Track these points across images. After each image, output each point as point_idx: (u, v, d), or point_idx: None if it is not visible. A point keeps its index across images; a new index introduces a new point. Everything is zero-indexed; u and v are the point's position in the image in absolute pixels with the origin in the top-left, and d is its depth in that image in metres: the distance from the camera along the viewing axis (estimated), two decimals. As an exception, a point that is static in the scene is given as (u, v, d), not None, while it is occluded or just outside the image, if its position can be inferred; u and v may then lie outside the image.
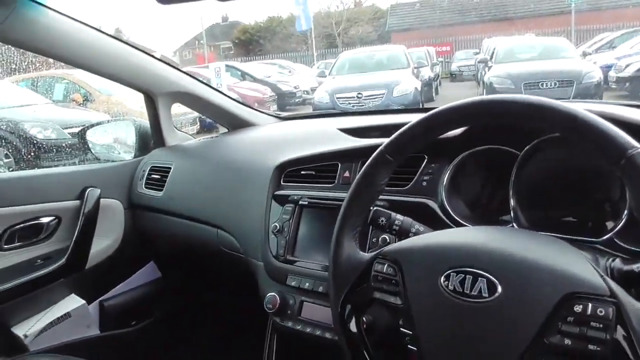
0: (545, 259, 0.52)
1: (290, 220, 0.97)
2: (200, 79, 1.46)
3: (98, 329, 1.30)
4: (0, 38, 1.03)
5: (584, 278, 0.49)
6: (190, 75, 1.40)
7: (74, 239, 1.21)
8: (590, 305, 0.47)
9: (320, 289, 0.88)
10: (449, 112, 0.60)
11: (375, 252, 0.64)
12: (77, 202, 1.24)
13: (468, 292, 0.53)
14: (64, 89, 5.16)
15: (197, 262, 1.48)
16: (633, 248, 0.63)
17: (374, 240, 0.84)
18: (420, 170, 0.86)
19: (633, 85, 6.86)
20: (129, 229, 1.36)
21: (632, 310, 0.46)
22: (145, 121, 1.47)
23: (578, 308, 0.48)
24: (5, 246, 1.15)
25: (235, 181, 1.15)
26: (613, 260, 0.55)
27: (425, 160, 0.86)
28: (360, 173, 0.66)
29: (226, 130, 1.50)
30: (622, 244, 0.64)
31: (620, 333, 0.46)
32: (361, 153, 0.91)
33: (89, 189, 1.25)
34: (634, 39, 9.10)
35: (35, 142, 3.60)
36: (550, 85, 6.19)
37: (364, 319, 0.62)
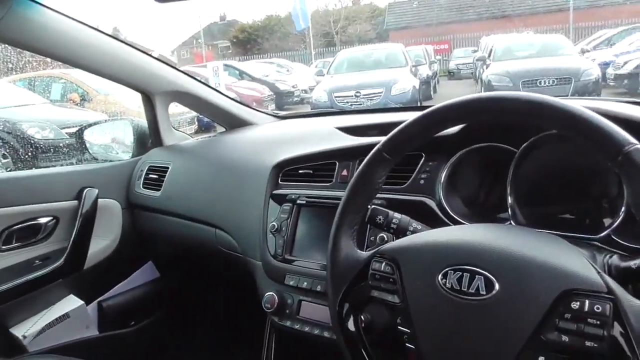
0: (543, 256, 0.52)
1: (288, 220, 0.97)
2: (198, 78, 1.46)
3: (97, 329, 1.30)
4: None
5: (581, 275, 0.49)
6: (188, 75, 1.39)
7: (72, 239, 1.21)
8: (587, 302, 0.47)
9: (319, 288, 0.88)
10: (446, 110, 0.60)
11: (372, 251, 0.64)
12: (75, 202, 1.24)
13: (465, 289, 0.53)
14: (62, 88, 5.15)
15: (196, 262, 1.48)
16: (630, 244, 0.63)
17: (372, 238, 0.84)
18: (417, 169, 0.86)
19: (631, 82, 6.88)
20: (127, 229, 1.36)
21: (628, 307, 0.46)
22: (142, 121, 1.46)
23: (575, 305, 0.48)
24: (3, 247, 1.14)
25: (233, 181, 1.15)
26: (610, 257, 0.55)
27: (423, 159, 0.86)
28: (357, 172, 0.66)
29: (224, 130, 1.49)
30: (619, 240, 0.64)
31: (617, 329, 0.46)
32: (359, 152, 0.91)
33: (87, 189, 1.25)
34: (632, 36, 9.12)
35: (32, 142, 3.59)
36: (549, 83, 6.20)
37: (362, 317, 0.62)
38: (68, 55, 1.12)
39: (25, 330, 1.13)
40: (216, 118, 1.49)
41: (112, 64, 1.21)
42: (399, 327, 0.59)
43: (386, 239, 0.81)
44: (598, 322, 0.47)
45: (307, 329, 0.90)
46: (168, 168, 1.32)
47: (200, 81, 1.42)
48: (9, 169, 3.21)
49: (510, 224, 0.73)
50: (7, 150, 3.43)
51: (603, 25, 13.12)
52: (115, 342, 1.32)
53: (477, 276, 0.53)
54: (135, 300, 1.38)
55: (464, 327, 0.53)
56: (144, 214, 1.36)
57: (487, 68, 7.29)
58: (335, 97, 6.94)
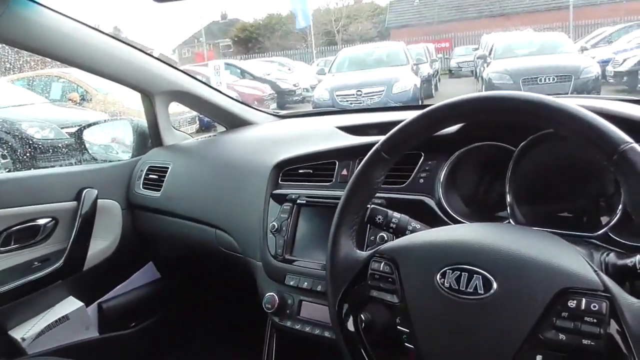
0: (540, 255, 0.52)
1: (289, 220, 0.97)
2: (199, 77, 1.46)
3: (97, 331, 1.29)
4: None
5: (578, 273, 0.50)
6: (188, 74, 1.39)
7: (71, 240, 1.21)
8: (584, 300, 0.48)
9: (319, 288, 0.88)
10: (444, 109, 0.60)
11: (372, 251, 0.64)
12: (74, 203, 1.23)
13: (464, 289, 0.53)
14: (61, 88, 5.15)
15: (196, 263, 1.48)
16: (628, 242, 0.64)
17: (371, 238, 0.84)
18: (417, 168, 0.86)
19: (630, 79, 6.91)
20: (127, 230, 1.35)
21: (625, 305, 0.47)
22: (142, 120, 1.46)
23: (572, 303, 0.48)
24: (2, 248, 1.14)
25: (233, 181, 1.14)
26: (607, 255, 0.55)
27: (422, 158, 0.86)
28: (356, 172, 0.66)
29: (224, 129, 1.49)
30: (617, 238, 0.65)
31: (613, 327, 0.47)
32: (358, 151, 0.91)
33: (86, 190, 1.24)
34: (630, 33, 9.15)
35: (32, 142, 3.59)
36: (549, 81, 6.22)
37: (362, 317, 0.62)
38: (66, 54, 1.12)
39: (24, 332, 1.13)
40: (216, 118, 1.48)
41: (111, 64, 1.20)
42: (398, 327, 0.59)
43: (386, 238, 0.81)
44: (595, 321, 0.47)
45: (307, 329, 0.90)
46: (168, 168, 1.32)
47: (200, 81, 1.41)
48: (8, 170, 3.21)
49: (509, 222, 0.74)
50: (7, 151, 3.43)
51: (602, 23, 13.12)
52: (115, 344, 1.31)
53: (475, 275, 0.53)
54: (135, 302, 1.38)
55: (462, 327, 0.53)
56: (144, 215, 1.36)
57: (487, 66, 7.31)
58: (337, 95, 6.95)
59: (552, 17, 15.65)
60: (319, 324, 0.88)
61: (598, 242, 0.65)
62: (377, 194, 0.80)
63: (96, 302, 1.31)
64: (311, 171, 1.00)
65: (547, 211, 0.75)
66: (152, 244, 1.42)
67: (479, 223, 0.68)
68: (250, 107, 1.50)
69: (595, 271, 0.49)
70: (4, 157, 3.32)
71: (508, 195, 0.75)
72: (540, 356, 0.49)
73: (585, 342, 0.47)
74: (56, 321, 1.18)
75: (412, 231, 0.67)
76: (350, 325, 0.64)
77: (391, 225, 0.67)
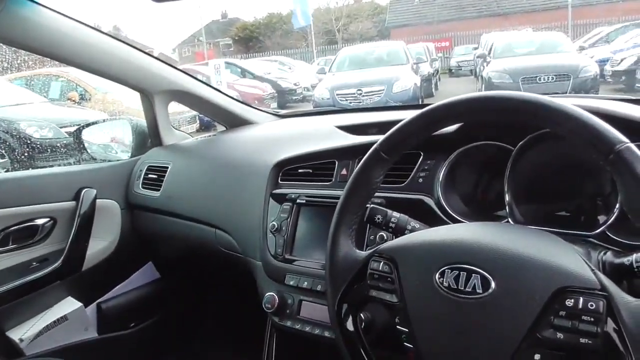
0: (538, 254, 0.52)
1: (288, 219, 0.97)
2: (200, 76, 1.45)
3: (96, 331, 1.29)
4: None
5: (575, 272, 0.50)
6: (187, 74, 1.38)
7: (69, 240, 1.20)
8: (581, 299, 0.48)
9: (319, 287, 0.88)
10: (443, 109, 0.61)
11: (371, 250, 0.64)
12: (73, 203, 1.23)
13: (462, 288, 0.53)
14: (60, 87, 5.14)
15: (196, 263, 1.47)
16: (625, 241, 0.64)
17: (371, 237, 0.84)
18: (416, 167, 0.86)
19: (628, 79, 6.95)
20: (126, 230, 1.35)
21: (621, 304, 0.47)
22: (142, 120, 1.45)
23: (570, 302, 0.48)
24: (0, 248, 1.13)
25: (232, 180, 1.14)
26: (605, 254, 0.56)
27: (421, 157, 0.86)
28: (355, 171, 0.66)
29: (224, 129, 1.48)
30: (614, 237, 0.65)
31: (610, 326, 0.47)
32: (358, 150, 0.91)
33: (85, 190, 1.24)
34: (628, 33, 9.18)
35: (31, 141, 3.58)
36: (548, 80, 6.25)
37: (362, 316, 0.62)
38: (65, 54, 1.11)
39: (22, 333, 1.13)
40: (216, 117, 1.48)
41: (109, 63, 1.20)
42: (398, 327, 0.59)
43: (386, 237, 0.81)
44: (592, 319, 0.47)
45: (307, 328, 0.90)
46: (167, 168, 1.31)
47: (199, 80, 1.41)
48: (6, 169, 3.20)
49: (508, 221, 0.74)
50: (5, 150, 3.42)
51: (600, 23, 13.14)
52: (114, 344, 1.31)
53: (473, 275, 0.53)
54: (134, 302, 1.37)
55: (461, 326, 0.54)
56: (143, 215, 1.35)
57: (487, 65, 7.33)
58: (337, 95, 6.96)
59: (551, 17, 15.69)
60: (319, 324, 0.88)
61: (596, 241, 0.65)
62: (377, 194, 0.80)
63: (95, 303, 1.30)
64: (311, 171, 1.00)
65: (545, 210, 0.76)
66: (152, 244, 1.42)
67: (478, 222, 0.68)
68: (250, 106, 1.49)
69: (592, 270, 0.50)
70: (2, 156, 3.31)
71: (507, 195, 0.75)
72: (539, 355, 0.49)
73: (582, 340, 0.47)
74: (55, 322, 1.18)
75: (411, 230, 0.67)
76: (350, 325, 0.64)
77: (390, 224, 0.67)
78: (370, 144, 0.66)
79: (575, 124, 0.52)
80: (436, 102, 0.62)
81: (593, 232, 0.66)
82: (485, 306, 0.52)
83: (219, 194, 1.16)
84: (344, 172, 0.95)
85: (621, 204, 0.65)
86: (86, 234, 1.24)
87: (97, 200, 1.26)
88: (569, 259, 0.51)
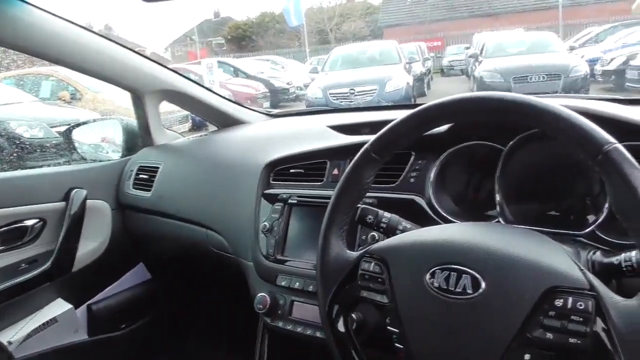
0: (527, 255, 0.52)
1: (280, 219, 0.96)
2: (192, 75, 1.44)
3: (86, 333, 1.28)
4: None
5: (565, 272, 0.50)
6: (179, 73, 1.38)
7: (59, 241, 1.19)
8: (570, 299, 0.48)
9: (311, 288, 0.88)
10: (433, 109, 0.61)
11: (362, 251, 0.64)
12: (63, 203, 1.22)
13: (453, 288, 0.53)
14: (51, 86, 5.08)
15: (188, 263, 1.47)
16: (614, 240, 0.65)
17: (363, 237, 0.84)
18: (407, 167, 0.86)
19: (617, 78, 7.05)
20: (117, 231, 1.34)
21: (610, 303, 0.47)
22: (132, 120, 1.44)
23: (559, 302, 0.49)
24: (-12, 250, 1.12)
25: (224, 180, 1.13)
26: (594, 253, 0.56)
27: (413, 157, 0.87)
28: (346, 172, 0.67)
29: (216, 129, 1.48)
30: (604, 236, 0.66)
31: (599, 325, 0.47)
32: (350, 150, 0.91)
33: (75, 190, 1.23)
34: (618, 33, 9.31)
35: (21, 141, 3.54)
36: (539, 79, 6.32)
37: (353, 317, 0.62)
38: (55, 54, 1.10)
39: (10, 336, 1.11)
40: (207, 117, 1.47)
41: (100, 63, 1.19)
42: (388, 327, 0.59)
43: (377, 237, 0.81)
44: (581, 319, 0.47)
45: (299, 329, 0.90)
46: (159, 168, 1.31)
47: (191, 80, 1.40)
48: (-4, 169, 3.16)
49: (499, 221, 0.74)
50: (-5, 150, 3.38)
51: (590, 23, 13.31)
52: (105, 346, 1.30)
53: (463, 275, 0.53)
54: (125, 303, 1.36)
55: (451, 326, 0.54)
56: (134, 215, 1.35)
57: (479, 65, 7.38)
58: (330, 94, 6.96)
59: (542, 17, 15.85)
60: (310, 325, 0.88)
61: (585, 241, 0.66)
62: (368, 194, 0.80)
63: (85, 304, 1.29)
64: (302, 171, 1.00)
65: (536, 210, 0.76)
66: (143, 244, 1.41)
67: (468, 223, 0.68)
68: (241, 106, 1.49)
69: (581, 270, 0.50)
70: (-9, 156, 3.27)
71: (497, 194, 0.75)
72: (529, 355, 0.49)
73: (572, 340, 0.48)
74: (44, 324, 1.16)
75: (403, 231, 0.67)
76: (341, 326, 0.64)
77: (381, 225, 0.68)
78: (362, 144, 0.66)
79: (563, 124, 0.52)
80: (429, 101, 0.62)
81: (583, 232, 0.67)
82: (476, 306, 0.52)
83: (211, 194, 1.16)
84: (335, 172, 0.95)
85: (610, 204, 0.66)
86: (76, 235, 1.22)
87: (88, 201, 1.25)
88: (558, 259, 0.52)
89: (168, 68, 1.36)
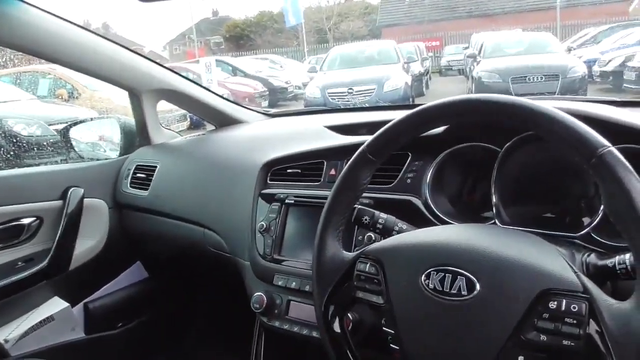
0: (522, 257, 0.53)
1: (277, 219, 0.97)
2: (190, 74, 1.45)
3: (83, 331, 1.28)
4: None
5: (559, 275, 0.50)
6: (177, 72, 1.38)
7: (56, 240, 1.19)
8: (564, 301, 0.49)
9: (307, 288, 0.88)
10: (429, 111, 0.61)
11: (358, 252, 0.64)
12: (60, 202, 1.22)
13: (448, 290, 0.54)
14: (49, 84, 5.06)
15: (185, 262, 1.47)
16: (609, 242, 0.65)
17: (359, 238, 0.85)
18: (404, 168, 0.87)
19: (615, 79, 7.06)
20: (114, 229, 1.34)
21: (603, 306, 0.48)
22: (130, 119, 1.44)
23: (553, 304, 0.49)
24: (-15, 248, 1.12)
25: (221, 180, 1.14)
26: (588, 256, 0.56)
27: (410, 158, 0.87)
28: (342, 173, 0.67)
29: (213, 128, 1.48)
30: (599, 238, 0.66)
31: (593, 328, 0.48)
32: (346, 151, 0.91)
33: (72, 189, 1.23)
34: (616, 34, 9.33)
35: (19, 139, 3.53)
36: (537, 80, 6.32)
37: (350, 316, 0.62)
38: (53, 53, 1.10)
39: (7, 333, 1.11)
40: (205, 116, 1.47)
41: (97, 62, 1.19)
42: (384, 328, 0.60)
43: (374, 238, 0.81)
44: (574, 321, 0.48)
45: (296, 329, 0.90)
46: (156, 167, 1.31)
47: (188, 79, 1.40)
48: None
49: (495, 222, 0.74)
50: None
51: (588, 24, 13.35)
52: (102, 345, 1.30)
53: (458, 277, 0.54)
54: (122, 301, 1.36)
55: (446, 327, 0.54)
56: (131, 214, 1.35)
57: (477, 65, 7.38)
58: (329, 93, 6.97)
59: (540, 18, 15.87)
60: (307, 324, 0.89)
61: (581, 243, 0.66)
62: (365, 194, 0.80)
63: (82, 302, 1.29)
64: (300, 171, 1.00)
65: (532, 212, 0.76)
66: (140, 243, 1.41)
67: (464, 224, 0.68)
68: (239, 105, 1.49)
69: (575, 272, 0.50)
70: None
71: (493, 196, 0.75)
72: (522, 357, 0.50)
73: (565, 342, 0.48)
74: (41, 322, 1.16)
75: (399, 232, 0.67)
76: (336, 326, 0.64)
77: (378, 225, 0.68)
78: (359, 145, 0.67)
79: (558, 127, 0.52)
80: (427, 101, 0.63)
81: (578, 234, 0.67)
82: (470, 308, 0.52)
83: (208, 193, 1.16)
84: (332, 172, 0.95)
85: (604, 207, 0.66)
86: (73, 234, 1.22)
87: (85, 200, 1.25)
88: (552, 261, 0.52)
89: (166, 67, 1.36)
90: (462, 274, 0.53)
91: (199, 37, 24.98)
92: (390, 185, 0.87)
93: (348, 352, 0.63)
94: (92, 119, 1.86)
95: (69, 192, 1.22)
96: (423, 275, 0.56)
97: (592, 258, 0.55)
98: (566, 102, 0.87)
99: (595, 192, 0.71)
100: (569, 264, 0.52)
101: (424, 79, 10.18)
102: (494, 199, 0.75)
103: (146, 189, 1.29)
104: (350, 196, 0.67)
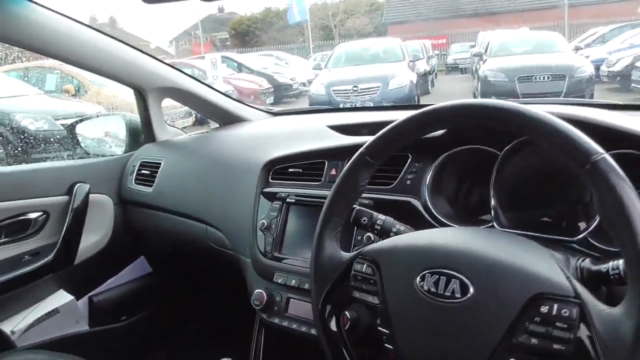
0: (516, 261, 0.53)
1: (278, 218, 0.98)
2: (196, 70, 1.46)
3: (87, 324, 1.30)
4: None
5: (551, 279, 0.51)
6: (181, 71, 1.39)
7: (62, 234, 1.21)
8: (555, 305, 0.49)
9: (306, 286, 0.89)
10: (426, 116, 0.62)
11: (355, 252, 0.65)
12: (66, 197, 1.24)
13: (442, 292, 0.54)
14: (56, 79, 5.10)
15: (187, 258, 1.49)
16: (606, 247, 0.65)
17: (358, 238, 0.86)
18: (404, 169, 0.87)
19: (623, 79, 6.97)
20: (118, 225, 1.36)
21: (594, 311, 0.48)
22: (135, 116, 1.46)
23: (544, 308, 0.49)
24: (-8, 242, 1.14)
25: (224, 178, 1.15)
26: (583, 260, 0.56)
27: (410, 159, 0.87)
28: (340, 175, 0.68)
29: (217, 126, 1.49)
30: (596, 243, 0.66)
31: (583, 332, 0.48)
32: (347, 151, 0.92)
33: (78, 184, 1.25)
34: (624, 33, 9.20)
35: (26, 133, 3.57)
36: (543, 79, 6.27)
37: (348, 315, 0.63)
38: (59, 52, 1.12)
39: (13, 325, 1.14)
40: (209, 114, 1.49)
41: (103, 61, 1.20)
42: (379, 328, 0.60)
43: (373, 239, 0.82)
44: (565, 326, 0.48)
45: (294, 326, 0.91)
46: (160, 164, 1.32)
47: (193, 77, 1.41)
48: (1, 160, 3.19)
49: (493, 225, 0.75)
50: (0, 141, 3.41)
51: (596, 23, 13.18)
52: (106, 337, 1.32)
53: (453, 279, 0.54)
54: (126, 295, 1.38)
55: (439, 329, 0.55)
56: (135, 210, 1.36)
57: (483, 63, 7.33)
58: (333, 91, 6.95)
59: (547, 16, 15.71)
60: (305, 322, 0.90)
61: (578, 247, 0.66)
62: (365, 195, 0.81)
63: (87, 296, 1.31)
64: (301, 170, 1.01)
65: (530, 215, 0.76)
66: (144, 239, 1.42)
67: (460, 227, 0.69)
68: (243, 103, 1.50)
69: (567, 277, 0.51)
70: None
71: (492, 199, 0.76)
72: (513, 359, 0.50)
73: (555, 346, 0.48)
74: (46, 314, 1.19)
75: (396, 233, 0.68)
76: (333, 325, 0.65)
77: (376, 227, 0.68)
78: (359, 145, 0.67)
79: (551, 133, 0.53)
80: (433, 99, 0.63)
81: (575, 238, 0.67)
82: (463, 310, 0.53)
83: (211, 190, 1.17)
84: (333, 172, 0.96)
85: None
86: (79, 228, 1.25)
87: (90, 195, 1.27)
88: (545, 266, 0.53)
89: (170, 66, 1.38)
90: (456, 277, 0.54)
91: (205, 34, 24.98)
92: (390, 186, 0.87)
93: (344, 350, 0.64)
94: (98, 116, 1.88)
95: (75, 188, 1.24)
96: (418, 277, 0.56)
97: (587, 263, 0.56)
98: (562, 106, 0.87)
99: (591, 197, 0.71)
100: (561, 268, 0.52)
101: (429, 78, 10.13)
102: (492, 202, 0.76)
103: (150, 186, 1.31)
104: (348, 197, 0.68)
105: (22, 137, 3.47)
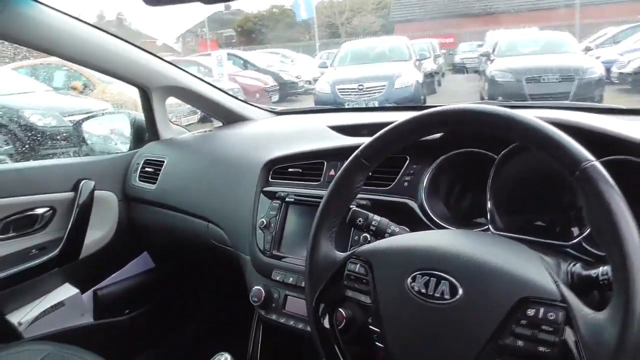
0: (505, 265, 0.54)
1: (277, 216, 1.00)
2: (202, 67, 1.47)
3: (92, 317, 1.33)
4: None
5: (538, 283, 0.52)
6: (185, 70, 1.41)
7: (68, 229, 1.24)
8: (542, 309, 0.50)
9: (304, 284, 0.89)
10: (421, 119, 0.63)
11: (349, 252, 0.66)
12: (72, 193, 1.27)
13: (431, 293, 0.56)
14: (64, 76, 5.15)
15: (189, 255, 1.51)
16: (600, 252, 0.66)
17: (355, 238, 0.87)
18: (402, 171, 0.88)
19: (635, 81, 6.84)
20: (123, 221, 1.38)
21: (579, 315, 0.49)
22: (140, 114, 1.48)
23: (531, 312, 0.50)
24: (0, 236, 1.17)
25: (226, 176, 1.17)
26: (574, 265, 0.57)
27: (407, 161, 0.88)
28: (336, 176, 0.69)
29: (220, 124, 1.51)
30: (590, 248, 0.67)
31: (569, 336, 0.49)
32: (346, 152, 0.92)
33: (84, 181, 1.28)
34: (637, 34, 9.04)
35: (35, 129, 3.61)
36: (552, 80, 6.17)
37: (343, 313, 0.64)
38: (65, 51, 1.14)
39: (21, 317, 1.17)
40: (213, 113, 1.51)
41: (108, 60, 1.23)
42: (370, 327, 0.62)
43: (369, 239, 0.83)
44: (551, 329, 0.49)
45: (292, 322, 0.93)
46: (164, 162, 1.35)
47: (197, 76, 1.43)
48: (10, 154, 3.24)
49: (489, 228, 0.76)
50: (10, 137, 3.45)
51: (608, 23, 12.99)
52: (109, 330, 1.35)
53: (442, 281, 0.55)
54: (130, 290, 1.41)
55: (428, 329, 0.56)
56: (139, 207, 1.39)
57: (491, 63, 7.26)
58: (339, 89, 6.92)
59: (558, 16, 15.52)
60: (302, 319, 0.91)
61: (572, 251, 0.67)
62: (362, 195, 0.83)
63: (92, 289, 1.34)
64: (300, 170, 1.03)
65: (525, 219, 0.77)
66: (147, 235, 1.45)
67: (453, 230, 0.70)
68: (246, 103, 1.52)
69: (555, 282, 0.51)
70: (6, 143, 3.35)
71: (488, 202, 0.77)
72: None
73: (541, 349, 0.49)
74: (52, 307, 1.22)
75: (391, 234, 0.69)
76: (326, 323, 0.67)
77: (371, 227, 0.70)
78: (358, 147, 0.68)
79: (542, 139, 0.53)
80: (439, 99, 0.64)
81: (569, 243, 0.68)
82: (452, 312, 0.54)
83: (212, 188, 1.19)
84: (332, 172, 0.98)
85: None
86: (84, 224, 1.27)
87: (95, 192, 1.30)
88: (534, 270, 0.53)
89: (174, 65, 1.40)
90: (446, 279, 0.55)
91: (212, 30, 25.03)
92: (387, 188, 0.88)
93: (337, 348, 0.66)
94: (103, 114, 1.91)
95: (81, 184, 1.27)
96: (409, 278, 0.57)
97: (577, 268, 0.56)
98: (556, 111, 0.87)
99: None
100: (550, 273, 0.53)
101: (436, 77, 10.06)
102: (488, 205, 0.76)
103: (154, 183, 1.33)
104: (344, 199, 0.69)
105: (31, 133, 3.51)
